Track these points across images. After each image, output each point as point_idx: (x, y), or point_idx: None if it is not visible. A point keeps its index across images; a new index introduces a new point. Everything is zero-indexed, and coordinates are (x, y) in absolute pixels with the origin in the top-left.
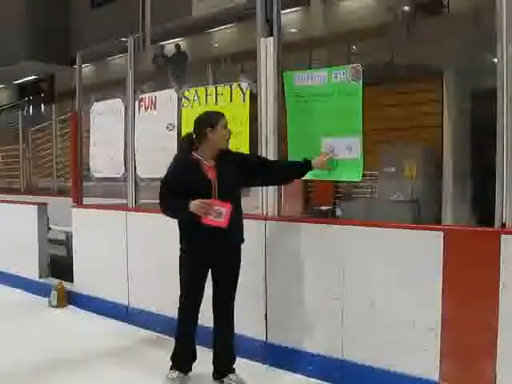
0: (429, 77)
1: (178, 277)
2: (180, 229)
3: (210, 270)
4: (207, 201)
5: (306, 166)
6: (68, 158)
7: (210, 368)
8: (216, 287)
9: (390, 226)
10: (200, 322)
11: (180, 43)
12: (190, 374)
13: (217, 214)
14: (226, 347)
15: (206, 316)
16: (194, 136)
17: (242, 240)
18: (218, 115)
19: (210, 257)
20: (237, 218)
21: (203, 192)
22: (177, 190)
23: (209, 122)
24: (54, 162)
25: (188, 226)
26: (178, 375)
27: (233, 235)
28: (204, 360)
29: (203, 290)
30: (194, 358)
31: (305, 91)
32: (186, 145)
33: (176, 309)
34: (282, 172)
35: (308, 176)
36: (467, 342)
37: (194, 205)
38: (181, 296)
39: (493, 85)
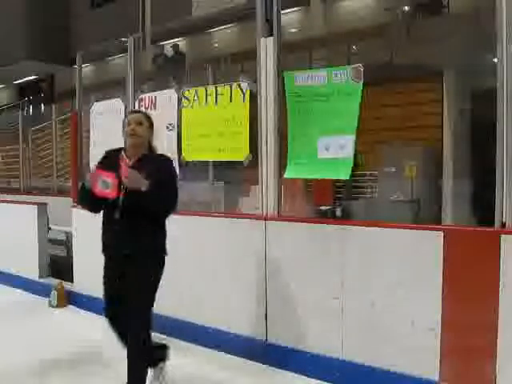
0: (429, 77)
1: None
2: None
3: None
4: (95, 172)
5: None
6: (68, 158)
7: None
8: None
9: (389, 226)
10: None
11: (179, 43)
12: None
13: (103, 183)
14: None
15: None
16: None
17: (152, 250)
18: (129, 112)
19: (115, 259)
20: (145, 225)
21: None
22: None
23: None
24: (54, 162)
25: (103, 222)
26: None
27: (138, 243)
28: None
29: (119, 301)
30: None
31: (305, 91)
32: None
33: (174, 308)
34: None
35: (294, 175)
36: (467, 342)
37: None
38: None
39: (493, 85)
